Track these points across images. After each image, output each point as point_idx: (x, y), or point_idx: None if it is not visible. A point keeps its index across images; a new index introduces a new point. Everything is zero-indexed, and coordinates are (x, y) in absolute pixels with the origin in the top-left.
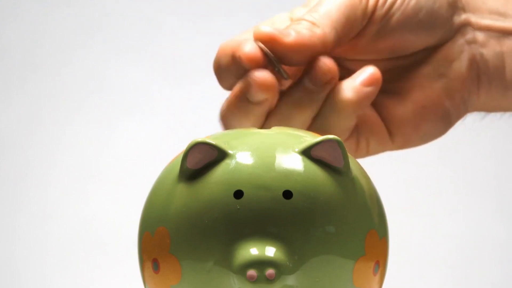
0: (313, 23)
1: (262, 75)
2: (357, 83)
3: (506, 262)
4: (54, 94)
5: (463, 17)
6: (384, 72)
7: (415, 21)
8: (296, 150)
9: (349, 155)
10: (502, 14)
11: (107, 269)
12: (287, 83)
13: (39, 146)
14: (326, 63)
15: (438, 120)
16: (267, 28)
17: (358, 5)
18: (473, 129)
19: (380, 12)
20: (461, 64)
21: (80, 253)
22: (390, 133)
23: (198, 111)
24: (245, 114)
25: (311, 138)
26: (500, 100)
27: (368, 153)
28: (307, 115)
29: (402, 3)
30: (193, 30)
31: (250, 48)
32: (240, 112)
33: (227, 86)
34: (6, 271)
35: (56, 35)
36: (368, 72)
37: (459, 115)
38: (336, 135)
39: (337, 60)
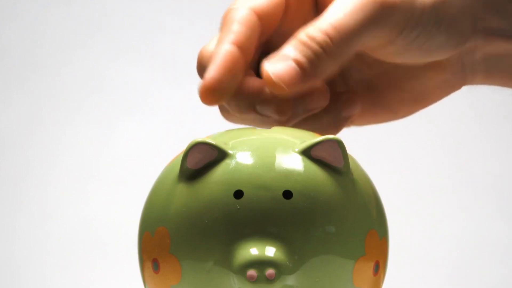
0: (322, 44)
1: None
2: (341, 115)
3: (506, 262)
4: (54, 94)
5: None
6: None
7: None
8: (296, 150)
9: (349, 155)
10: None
11: (107, 269)
12: None
13: (39, 146)
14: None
15: (450, 67)
16: (277, 76)
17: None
18: (473, 130)
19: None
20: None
21: (80, 253)
22: (387, 102)
23: (198, 111)
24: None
25: (311, 138)
26: (507, 48)
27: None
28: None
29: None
30: (193, 30)
31: (211, 76)
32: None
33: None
34: (6, 271)
35: (56, 35)
36: (353, 112)
37: (471, 67)
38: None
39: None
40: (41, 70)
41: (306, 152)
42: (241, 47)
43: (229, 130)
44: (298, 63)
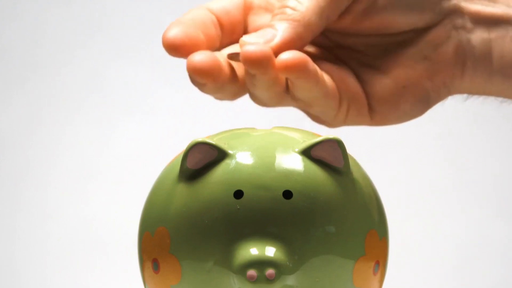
0: (297, 10)
1: (197, 61)
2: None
3: (506, 262)
4: (54, 94)
5: (453, 2)
6: (369, 47)
7: (404, 2)
8: (296, 150)
9: (349, 155)
10: (492, 0)
11: (107, 269)
12: None
13: (39, 146)
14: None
15: (417, 101)
16: (251, 47)
17: None
18: (473, 129)
19: None
20: (447, 49)
21: (80, 253)
22: (370, 107)
23: (198, 111)
24: (203, 91)
25: (311, 138)
26: (484, 85)
27: (345, 122)
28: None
29: None
30: None
31: (199, 59)
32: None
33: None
34: (6, 271)
35: (56, 35)
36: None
37: (439, 97)
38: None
39: (325, 35)
40: (41, 70)
41: (306, 152)
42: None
43: (229, 130)
44: (275, 29)
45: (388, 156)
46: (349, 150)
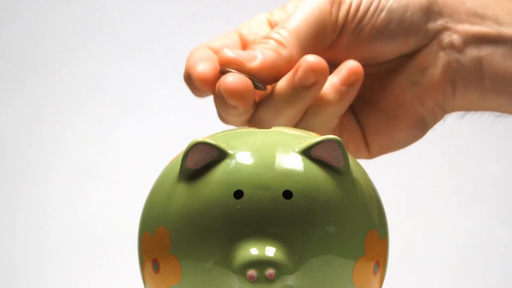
0: (280, 43)
1: (232, 83)
2: (337, 82)
3: (506, 262)
4: (54, 94)
5: (439, 22)
6: None
7: (387, 31)
8: (296, 150)
9: (349, 155)
10: (480, 16)
11: (107, 269)
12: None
13: (39, 146)
14: (312, 63)
15: (412, 128)
16: (231, 53)
17: (328, 20)
18: (473, 130)
19: (350, 25)
20: (434, 71)
21: (80, 253)
22: (366, 141)
23: (198, 111)
24: (229, 115)
25: (311, 138)
26: (479, 102)
27: None
28: (291, 116)
29: (372, 15)
30: (193, 30)
31: (202, 69)
32: (225, 113)
33: (197, 94)
34: (6, 271)
35: (56, 35)
36: (347, 68)
37: (435, 118)
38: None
39: None
40: (41, 70)
41: (306, 152)
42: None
43: (229, 130)
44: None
45: (388, 156)
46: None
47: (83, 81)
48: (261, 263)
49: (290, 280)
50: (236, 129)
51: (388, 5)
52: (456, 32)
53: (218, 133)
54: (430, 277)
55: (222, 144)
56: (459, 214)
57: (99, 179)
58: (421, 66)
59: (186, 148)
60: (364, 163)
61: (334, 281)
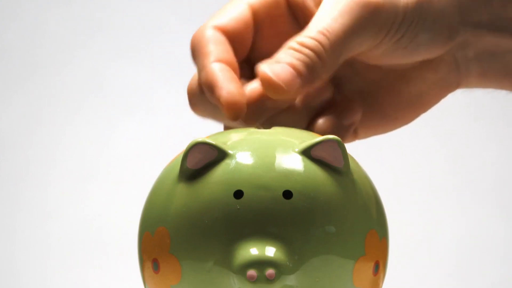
0: (321, 57)
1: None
2: (342, 124)
3: (506, 262)
4: (54, 94)
5: (461, 36)
6: (369, 81)
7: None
8: (296, 150)
9: (349, 155)
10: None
11: (107, 269)
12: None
13: (39, 146)
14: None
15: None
16: (274, 78)
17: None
18: (472, 129)
19: (388, 44)
20: (443, 79)
21: (80, 253)
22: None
23: None
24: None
25: (311, 138)
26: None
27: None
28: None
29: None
30: (193, 30)
31: (229, 91)
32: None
33: (199, 113)
34: (6, 271)
35: (56, 35)
36: (353, 119)
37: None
38: None
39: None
40: (41, 70)
41: (306, 152)
42: (225, 61)
43: (229, 130)
44: (293, 67)
45: (388, 156)
46: (349, 150)
47: (83, 81)
48: (261, 263)
49: (290, 280)
50: (236, 129)
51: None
52: (475, 47)
53: (218, 133)
54: (430, 277)
55: (222, 144)
56: (459, 214)
57: (99, 179)
58: (431, 78)
59: (186, 148)
60: (364, 163)
61: (334, 281)
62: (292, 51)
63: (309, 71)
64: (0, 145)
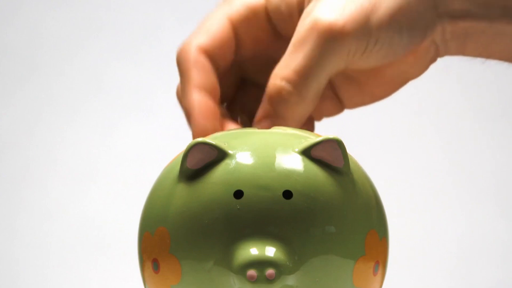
0: (291, 95)
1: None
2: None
3: (506, 262)
4: (54, 94)
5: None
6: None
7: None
8: (296, 150)
9: (349, 155)
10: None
11: (107, 269)
12: None
13: (39, 146)
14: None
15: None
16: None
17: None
18: (473, 129)
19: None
20: (425, 58)
21: (80, 253)
22: (337, 96)
23: None
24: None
25: (311, 138)
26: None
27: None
28: None
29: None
30: (193, 30)
31: (201, 128)
32: None
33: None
34: (6, 271)
35: (56, 35)
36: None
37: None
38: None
39: None
40: (41, 70)
41: (306, 152)
42: (205, 88)
43: (229, 130)
44: (278, 118)
45: (388, 156)
46: (349, 150)
47: (83, 81)
48: (261, 263)
49: (290, 280)
50: (236, 129)
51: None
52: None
53: (218, 133)
54: (430, 277)
55: (222, 144)
56: (460, 214)
57: (99, 179)
58: (414, 61)
59: (186, 148)
60: (364, 163)
61: (334, 281)
62: (271, 102)
63: (295, 116)
64: (0, 145)
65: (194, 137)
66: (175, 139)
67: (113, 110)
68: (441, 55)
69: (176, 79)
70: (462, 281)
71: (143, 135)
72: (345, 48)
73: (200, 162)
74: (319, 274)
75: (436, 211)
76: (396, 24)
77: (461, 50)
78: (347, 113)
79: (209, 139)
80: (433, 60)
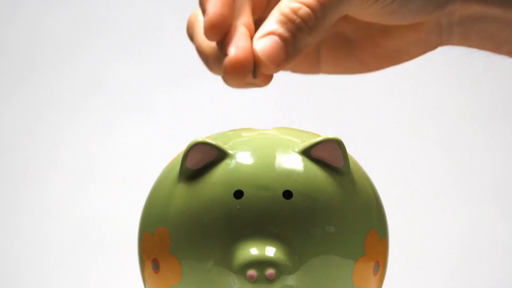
0: (309, 26)
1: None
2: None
3: (506, 262)
4: (54, 94)
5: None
6: (356, 30)
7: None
8: (296, 150)
9: (349, 155)
10: None
11: (107, 269)
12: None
13: (39, 146)
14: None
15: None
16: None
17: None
18: (473, 129)
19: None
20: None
21: (80, 253)
22: (317, 60)
23: (198, 111)
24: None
25: (311, 138)
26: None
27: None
28: None
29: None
30: None
31: (215, 11)
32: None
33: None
34: (6, 271)
35: (56, 35)
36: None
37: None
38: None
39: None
40: (41, 70)
41: (306, 152)
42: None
43: (229, 130)
44: (283, 38)
45: (388, 156)
46: (349, 150)
47: (83, 81)
48: (261, 263)
49: (290, 280)
50: (236, 129)
51: None
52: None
53: (218, 133)
54: (430, 277)
55: (222, 144)
56: (460, 214)
57: (99, 179)
58: (413, 31)
59: (186, 148)
60: (364, 163)
61: (334, 281)
62: (283, 19)
63: (298, 41)
64: (0, 145)
65: (205, 24)
66: (175, 139)
67: (113, 110)
68: (443, 43)
69: (176, 79)
70: (462, 281)
71: (143, 135)
72: None
73: (200, 162)
74: (319, 274)
75: (436, 211)
76: None
77: (465, 38)
78: (347, 113)
79: (209, 139)
80: (432, 46)
